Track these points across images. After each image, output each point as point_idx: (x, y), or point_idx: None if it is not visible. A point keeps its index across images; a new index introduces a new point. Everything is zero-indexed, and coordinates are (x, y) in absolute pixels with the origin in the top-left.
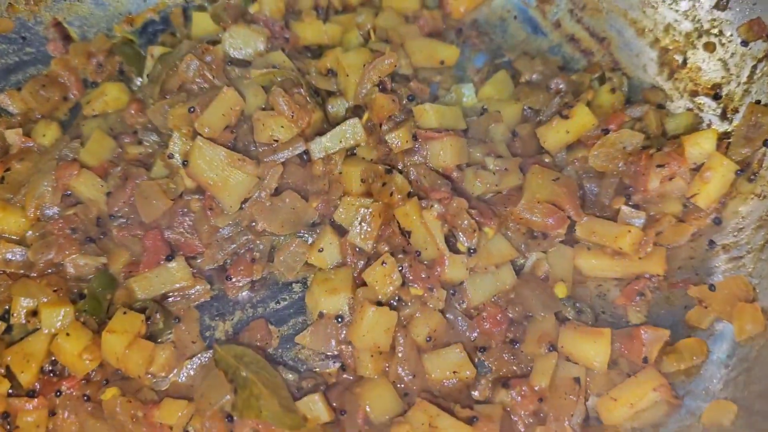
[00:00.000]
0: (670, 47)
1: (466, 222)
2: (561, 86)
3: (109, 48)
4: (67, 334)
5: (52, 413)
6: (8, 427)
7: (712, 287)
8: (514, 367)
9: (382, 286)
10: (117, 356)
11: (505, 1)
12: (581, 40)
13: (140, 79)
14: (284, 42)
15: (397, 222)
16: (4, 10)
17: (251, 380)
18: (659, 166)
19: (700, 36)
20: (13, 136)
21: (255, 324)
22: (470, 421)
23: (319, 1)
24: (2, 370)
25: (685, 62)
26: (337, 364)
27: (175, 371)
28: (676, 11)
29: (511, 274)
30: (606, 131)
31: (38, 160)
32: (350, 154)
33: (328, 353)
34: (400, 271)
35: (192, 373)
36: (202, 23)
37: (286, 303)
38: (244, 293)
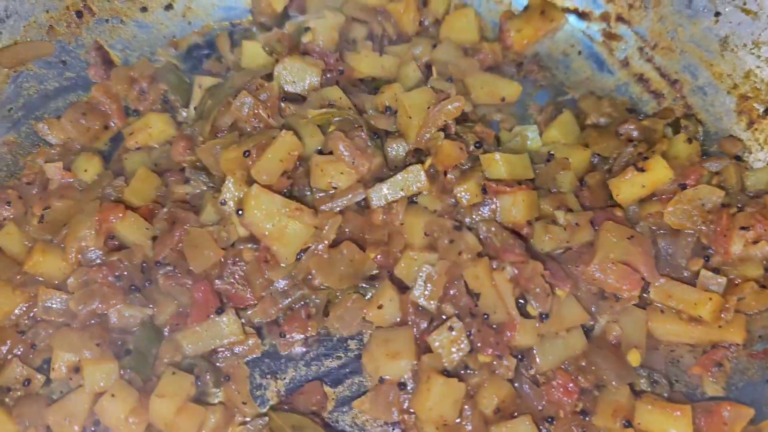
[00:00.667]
0: (750, 95)
1: (539, 287)
2: (633, 132)
3: (152, 74)
4: (113, 395)
5: None
6: None
7: None
8: None
9: (448, 353)
10: (166, 422)
11: (569, 34)
12: (651, 80)
13: (185, 111)
14: (338, 75)
15: (464, 282)
16: (45, 33)
17: None
18: (743, 228)
19: None
20: (53, 171)
21: (310, 387)
22: None
23: (373, 30)
24: (43, 431)
25: (766, 112)
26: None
27: None
28: (758, 57)
29: (582, 338)
30: (683, 186)
31: (80, 198)
32: (411, 201)
33: (389, 421)
34: (468, 336)
35: None
36: (253, 53)
37: (341, 361)
38: (297, 350)
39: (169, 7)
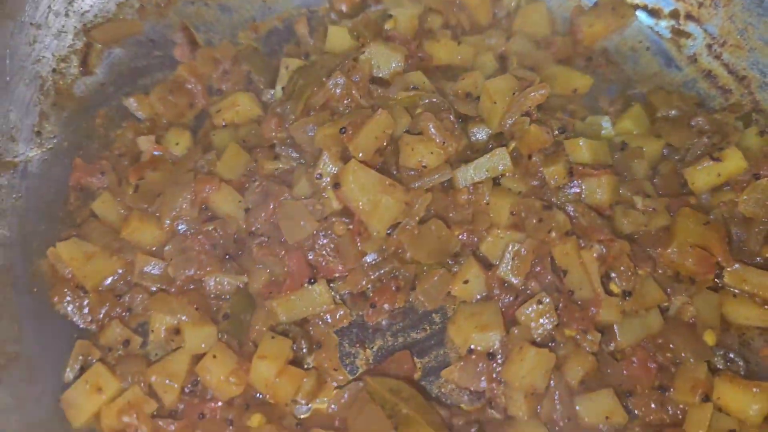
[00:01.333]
0: None
1: (624, 265)
2: (705, 126)
3: (234, 55)
4: (214, 356)
5: None
6: None
7: None
8: (663, 415)
9: (537, 325)
10: (267, 383)
11: (638, 31)
12: (719, 76)
13: (272, 91)
14: (419, 61)
15: (551, 259)
16: (135, 13)
17: (414, 419)
18: None
19: None
20: (146, 143)
21: (400, 355)
22: None
23: (449, 19)
24: (146, 388)
25: None
26: (480, 402)
27: (317, 399)
28: None
29: (659, 318)
30: (757, 176)
31: (173, 170)
32: (495, 183)
33: (475, 390)
34: (556, 310)
35: (343, 402)
36: (339, 38)
37: (426, 334)
38: (384, 321)
39: None
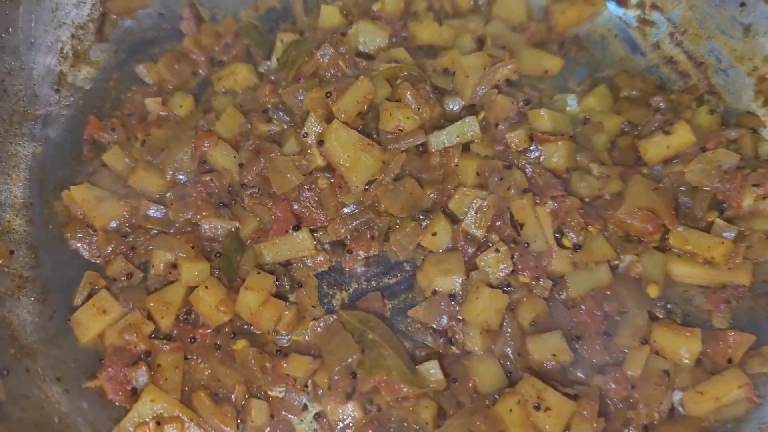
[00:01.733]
0: None
1: (575, 220)
2: (661, 105)
3: (236, 31)
4: (206, 287)
5: (186, 358)
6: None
7: None
8: (607, 357)
9: (494, 271)
10: (251, 311)
11: (607, 19)
12: (679, 62)
13: (268, 62)
14: (403, 40)
15: (510, 214)
16: None
17: (378, 342)
18: (755, 185)
19: None
20: (153, 105)
21: (371, 296)
22: (573, 398)
23: (432, 3)
24: (145, 314)
25: None
26: (443, 339)
27: (296, 331)
28: None
29: (608, 272)
30: (704, 149)
31: (176, 128)
32: (464, 148)
33: (438, 328)
34: (512, 258)
35: (318, 331)
36: (330, 16)
37: (397, 279)
38: (359, 267)
39: None
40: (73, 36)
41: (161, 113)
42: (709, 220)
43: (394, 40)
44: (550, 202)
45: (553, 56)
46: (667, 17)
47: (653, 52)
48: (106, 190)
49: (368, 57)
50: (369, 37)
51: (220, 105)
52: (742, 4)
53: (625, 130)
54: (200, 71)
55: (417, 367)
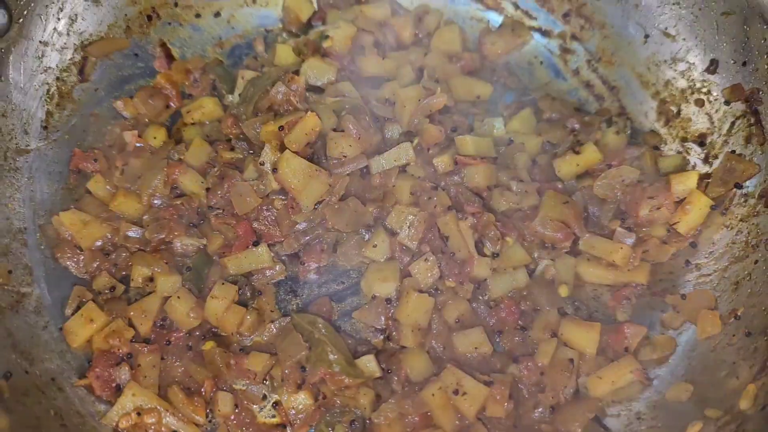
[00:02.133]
0: (668, 99)
1: (492, 232)
2: (575, 126)
3: (203, 66)
4: (179, 297)
5: (162, 358)
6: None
7: (683, 296)
8: (522, 348)
9: (424, 277)
10: (217, 316)
11: (534, 48)
12: (595, 86)
13: (231, 96)
14: (350, 73)
15: (438, 228)
16: (123, 32)
17: (323, 341)
18: (650, 197)
19: (692, 93)
20: (130, 137)
21: (321, 300)
22: (487, 384)
23: (378, 39)
24: (126, 321)
25: (678, 113)
26: (382, 336)
27: (257, 332)
28: (675, 70)
29: (524, 275)
30: (609, 166)
31: (150, 158)
32: (402, 170)
33: (377, 327)
34: (439, 266)
35: (274, 332)
36: (285, 54)
37: (344, 286)
38: (311, 276)
39: (217, 14)
40: (57, 78)
41: (137, 144)
42: (613, 228)
43: (342, 74)
44: (470, 217)
45: (485, 83)
46: (585, 46)
47: (574, 77)
48: (90, 214)
49: (319, 90)
50: (319, 72)
51: (189, 135)
52: (646, 36)
53: (546, 149)
54: (172, 104)
55: (356, 360)
